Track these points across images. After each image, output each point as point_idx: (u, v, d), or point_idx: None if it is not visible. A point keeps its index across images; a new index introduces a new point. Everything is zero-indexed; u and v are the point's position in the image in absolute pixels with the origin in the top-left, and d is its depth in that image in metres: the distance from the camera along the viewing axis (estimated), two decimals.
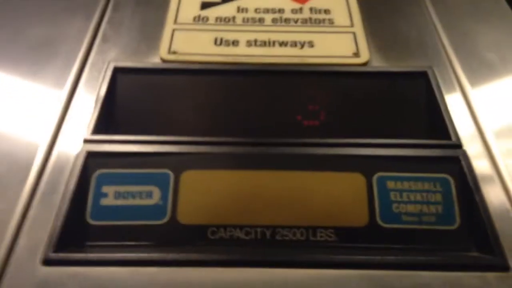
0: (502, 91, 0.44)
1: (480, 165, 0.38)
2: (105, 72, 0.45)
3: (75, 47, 0.49)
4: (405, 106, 0.43)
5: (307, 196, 0.37)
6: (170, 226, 0.36)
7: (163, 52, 0.47)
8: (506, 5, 0.52)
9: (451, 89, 0.44)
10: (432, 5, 0.53)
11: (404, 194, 0.37)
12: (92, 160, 0.38)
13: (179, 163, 0.38)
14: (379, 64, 0.46)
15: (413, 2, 0.53)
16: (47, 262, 0.33)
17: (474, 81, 0.44)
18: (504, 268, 0.32)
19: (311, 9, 0.52)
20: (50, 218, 0.35)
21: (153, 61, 0.47)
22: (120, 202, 0.37)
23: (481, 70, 0.45)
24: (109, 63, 0.45)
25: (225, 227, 0.36)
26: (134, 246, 0.35)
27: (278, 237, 0.36)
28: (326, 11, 0.52)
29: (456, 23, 0.50)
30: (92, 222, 0.36)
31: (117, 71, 0.45)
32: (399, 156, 0.38)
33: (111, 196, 0.37)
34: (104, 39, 0.50)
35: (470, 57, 0.47)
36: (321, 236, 0.36)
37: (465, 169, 0.37)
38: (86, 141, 0.39)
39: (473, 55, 0.47)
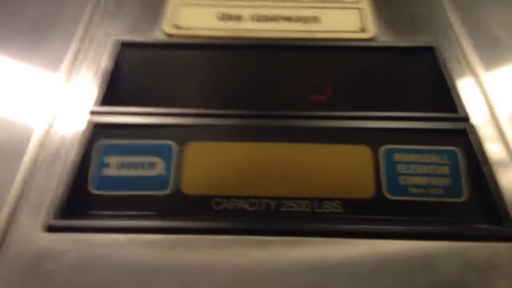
0: (510, 65, 0.43)
1: (488, 138, 0.37)
2: (108, 46, 0.44)
3: (75, 21, 0.48)
4: (411, 81, 0.43)
5: (313, 168, 0.36)
6: (173, 197, 0.35)
7: (166, 26, 0.46)
8: None
9: (458, 64, 0.43)
10: None
11: (411, 166, 0.36)
12: (95, 131, 0.38)
13: (182, 134, 0.37)
14: (385, 40, 0.45)
15: None
16: (49, 228, 0.32)
17: (481, 57, 0.44)
18: None
19: None
20: (51, 187, 0.34)
21: (156, 35, 0.46)
22: (122, 172, 0.36)
23: (489, 46, 0.45)
24: (109, 37, 0.45)
25: (229, 198, 0.35)
26: (137, 216, 0.34)
27: (283, 209, 0.35)
28: None
29: (464, 1, 0.49)
30: (95, 191, 0.35)
31: (121, 45, 0.44)
32: (406, 129, 0.38)
33: (113, 166, 0.36)
34: (105, 13, 0.49)
35: (478, 34, 0.46)
36: (326, 208, 0.35)
37: (473, 142, 0.37)
38: (93, 112, 0.39)
39: (481, 31, 0.46)
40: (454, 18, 0.47)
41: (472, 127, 0.38)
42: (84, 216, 0.34)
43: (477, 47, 0.44)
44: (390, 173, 0.36)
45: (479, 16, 0.48)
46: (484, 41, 0.45)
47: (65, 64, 0.43)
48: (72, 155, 0.36)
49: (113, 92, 0.41)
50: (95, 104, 0.39)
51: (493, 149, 0.37)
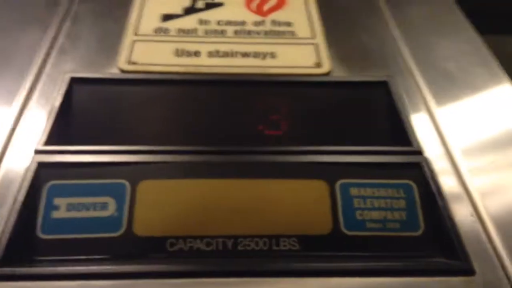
0: (462, 99, 0.44)
1: (442, 170, 0.38)
2: (61, 83, 0.43)
3: (30, 58, 0.47)
4: (366, 115, 0.43)
5: (269, 204, 0.36)
6: (125, 239, 0.34)
7: (121, 62, 0.46)
8: (463, 18, 0.53)
9: (411, 98, 0.44)
10: (392, 18, 0.53)
11: (368, 200, 0.36)
12: (43, 171, 0.36)
13: (135, 173, 0.36)
14: (340, 74, 0.46)
15: (374, 15, 0.54)
16: None
17: (434, 90, 0.45)
18: (469, 272, 0.32)
19: (273, 22, 0.52)
20: None
21: (111, 71, 0.45)
22: (72, 214, 0.35)
23: (441, 80, 0.46)
24: (65, 74, 0.44)
25: (184, 238, 0.34)
26: (87, 260, 0.33)
27: (240, 247, 0.34)
28: (288, 24, 0.52)
29: (415, 35, 0.51)
30: (43, 236, 0.34)
31: (73, 82, 0.43)
32: (361, 163, 0.38)
33: (63, 208, 0.35)
34: (61, 51, 0.48)
35: (430, 67, 0.47)
36: (284, 245, 0.34)
37: (427, 175, 0.37)
38: (38, 151, 0.37)
39: (433, 65, 0.48)
40: (406, 53, 0.49)
41: (426, 160, 0.38)
42: (30, 262, 0.32)
43: (428, 81, 0.45)
44: (346, 208, 0.36)
45: (430, 51, 0.49)
46: (436, 75, 0.46)
47: (17, 101, 0.42)
48: (19, 197, 0.34)
49: (63, 130, 0.40)
50: (41, 143, 0.37)
51: (447, 182, 0.37)
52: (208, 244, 0.34)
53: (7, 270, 0.31)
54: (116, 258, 0.33)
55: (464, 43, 0.50)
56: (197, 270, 0.32)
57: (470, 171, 0.38)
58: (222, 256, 0.34)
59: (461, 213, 0.35)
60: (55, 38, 0.50)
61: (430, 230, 0.35)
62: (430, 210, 0.36)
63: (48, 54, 0.48)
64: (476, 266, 0.32)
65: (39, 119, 0.40)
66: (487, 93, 0.45)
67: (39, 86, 0.44)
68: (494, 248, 0.33)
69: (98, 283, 0.31)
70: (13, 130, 0.40)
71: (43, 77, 0.45)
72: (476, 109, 0.43)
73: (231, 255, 0.34)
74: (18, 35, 0.50)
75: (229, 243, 0.34)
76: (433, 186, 0.36)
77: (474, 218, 0.35)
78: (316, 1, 0.55)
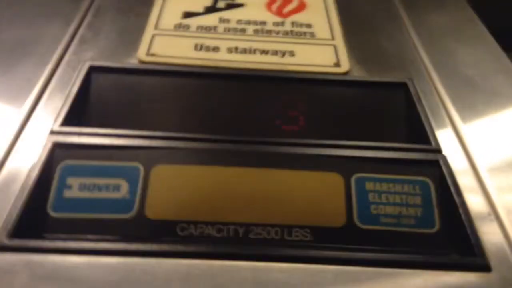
0: (481, 103, 0.44)
1: (460, 169, 0.37)
2: (80, 70, 0.43)
3: (52, 48, 0.47)
4: (384, 114, 0.43)
5: (283, 194, 0.35)
6: (136, 221, 0.34)
7: (141, 53, 0.46)
8: (483, 26, 0.53)
9: (430, 100, 0.43)
10: (412, 25, 0.53)
11: (383, 195, 0.35)
12: (58, 151, 0.36)
13: (150, 157, 0.36)
14: (359, 75, 0.46)
15: (393, 20, 0.54)
16: (0, 248, 0.30)
17: (453, 94, 0.44)
18: (486, 268, 0.31)
19: (292, 23, 0.52)
20: (7, 207, 0.32)
21: (130, 62, 0.46)
22: (84, 194, 0.35)
23: (460, 85, 0.46)
24: (84, 62, 0.44)
25: (195, 223, 0.34)
26: (97, 240, 0.33)
27: (251, 236, 0.34)
28: (308, 25, 0.52)
29: (434, 41, 0.51)
30: (53, 213, 0.34)
31: (92, 70, 0.43)
32: (378, 158, 0.37)
33: (75, 188, 0.35)
34: (82, 41, 0.49)
35: (449, 72, 0.47)
36: (296, 236, 0.34)
37: (445, 173, 0.36)
38: (53, 132, 0.37)
39: (452, 70, 0.47)
40: (425, 58, 0.49)
41: (444, 158, 0.37)
42: (39, 237, 0.32)
43: (447, 85, 0.45)
44: (361, 202, 0.35)
45: (449, 57, 0.49)
46: (455, 79, 0.46)
47: (37, 87, 0.43)
48: (31, 174, 0.34)
49: (79, 114, 0.40)
50: (57, 124, 0.37)
51: (465, 180, 0.36)
52: (219, 231, 0.34)
53: (17, 241, 0.31)
54: (126, 239, 0.33)
55: (484, 50, 0.50)
56: (208, 251, 0.31)
57: (488, 171, 0.37)
58: (233, 243, 0.33)
59: (478, 211, 0.34)
60: (76, 30, 0.50)
61: (445, 228, 0.34)
62: (446, 208, 0.35)
63: (69, 44, 0.48)
64: (492, 263, 0.31)
65: (56, 103, 0.41)
66: (507, 99, 0.44)
67: (59, 73, 0.44)
68: (511, 247, 0.32)
69: (106, 259, 0.30)
70: (31, 111, 0.40)
71: (63, 65, 0.45)
72: (495, 114, 0.43)
73: (242, 242, 0.33)
74: (41, 27, 0.51)
75: (241, 231, 0.34)
76: (450, 184, 0.35)
77: (491, 217, 0.34)
78: (336, 5, 0.55)
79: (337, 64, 0.46)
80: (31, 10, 0.54)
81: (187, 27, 0.50)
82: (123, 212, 0.34)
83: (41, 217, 0.33)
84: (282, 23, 0.52)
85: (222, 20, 0.52)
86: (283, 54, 0.47)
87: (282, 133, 0.41)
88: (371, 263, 0.31)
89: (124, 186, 0.35)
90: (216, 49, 0.47)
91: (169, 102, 0.42)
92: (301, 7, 0.55)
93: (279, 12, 0.54)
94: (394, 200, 0.35)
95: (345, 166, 0.37)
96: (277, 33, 0.50)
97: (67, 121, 0.38)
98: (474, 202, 0.35)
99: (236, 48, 0.48)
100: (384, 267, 0.31)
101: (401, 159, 0.37)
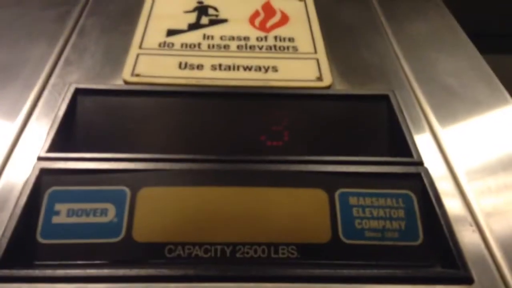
0: (462, 112, 0.44)
1: (441, 181, 0.38)
2: (66, 93, 0.44)
3: (37, 70, 0.48)
4: (367, 128, 0.43)
5: (268, 212, 0.36)
6: (124, 244, 0.34)
7: (126, 74, 0.46)
8: (463, 34, 0.54)
9: (412, 112, 0.44)
10: (393, 35, 0.54)
11: (367, 210, 0.36)
12: (45, 178, 0.37)
13: (136, 179, 0.37)
14: (341, 88, 0.46)
15: (375, 31, 0.55)
16: None
17: (434, 104, 0.45)
18: (468, 280, 0.31)
19: (275, 37, 0.53)
20: None
21: (115, 83, 0.46)
22: (72, 220, 0.35)
23: (441, 94, 0.46)
24: (70, 85, 0.45)
25: (183, 244, 0.34)
26: (86, 265, 0.33)
27: (238, 255, 0.34)
28: (290, 39, 0.53)
29: (416, 51, 0.52)
30: (42, 240, 0.34)
31: (77, 92, 0.44)
32: (361, 173, 0.38)
33: (63, 213, 0.35)
34: (67, 63, 0.49)
35: (430, 82, 0.48)
36: (283, 253, 0.34)
37: (427, 185, 0.37)
38: (40, 158, 0.38)
39: (433, 80, 0.48)
40: (407, 69, 0.49)
41: (426, 170, 0.38)
42: (29, 266, 0.32)
43: (429, 95, 0.46)
44: (345, 217, 0.36)
45: (430, 67, 0.50)
46: (436, 89, 0.47)
47: (23, 110, 0.43)
48: (20, 202, 0.35)
49: (66, 138, 0.40)
50: (44, 150, 0.38)
51: (447, 193, 0.37)
52: (206, 251, 0.34)
53: (6, 272, 0.31)
54: (114, 263, 0.33)
55: (464, 59, 0.51)
56: (195, 274, 0.32)
57: (469, 183, 0.38)
58: (220, 263, 0.34)
59: (460, 223, 0.35)
60: (61, 51, 0.51)
61: (429, 240, 0.35)
62: (430, 220, 0.36)
63: (54, 66, 0.49)
64: (475, 274, 0.32)
65: (43, 127, 0.41)
66: (487, 107, 0.45)
67: (45, 96, 0.45)
68: (493, 257, 0.33)
69: (95, 286, 0.31)
70: (18, 137, 0.40)
71: (49, 87, 0.46)
72: (476, 123, 0.44)
73: (229, 262, 0.34)
74: (26, 48, 0.51)
75: (228, 250, 0.34)
76: (432, 196, 0.36)
77: (473, 228, 0.35)
78: (318, 18, 0.56)
79: (320, 78, 0.47)
80: (16, 32, 0.54)
81: (171, 45, 0.51)
82: (111, 236, 0.34)
83: (30, 244, 0.34)
84: (265, 38, 0.53)
85: (206, 37, 0.52)
86: (266, 69, 0.48)
87: (268, 149, 0.42)
88: (357, 280, 0.32)
89: (111, 210, 0.35)
90: (200, 66, 0.48)
91: (154, 122, 0.43)
92: (283, 20, 0.56)
93: (262, 27, 0.54)
94: (378, 214, 0.36)
95: (329, 182, 0.37)
96: (260, 48, 0.51)
97: (53, 146, 0.39)
98: (455, 213, 0.36)
99: (220, 65, 0.48)
100: (370, 283, 0.31)
101: (383, 173, 0.38)
